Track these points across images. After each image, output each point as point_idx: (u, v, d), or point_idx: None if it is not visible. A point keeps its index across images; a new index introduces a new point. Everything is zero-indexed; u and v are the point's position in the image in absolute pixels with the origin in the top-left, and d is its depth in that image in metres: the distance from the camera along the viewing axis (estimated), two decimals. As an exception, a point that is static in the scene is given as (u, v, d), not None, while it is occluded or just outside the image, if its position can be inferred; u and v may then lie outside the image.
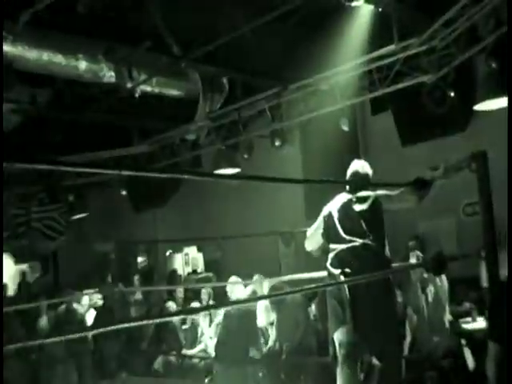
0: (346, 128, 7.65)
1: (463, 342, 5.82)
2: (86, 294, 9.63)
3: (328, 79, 7.40)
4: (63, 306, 9.03)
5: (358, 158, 9.23)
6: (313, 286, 3.93)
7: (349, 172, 4.38)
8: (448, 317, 6.04)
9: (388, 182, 4.95)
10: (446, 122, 8.21)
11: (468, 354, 5.66)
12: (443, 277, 5.96)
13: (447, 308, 6.06)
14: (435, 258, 3.48)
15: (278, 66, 7.67)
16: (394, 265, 5.50)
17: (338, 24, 6.84)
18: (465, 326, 6.16)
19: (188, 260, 13.82)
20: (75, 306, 9.09)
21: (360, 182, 4.24)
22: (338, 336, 3.87)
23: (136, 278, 10.76)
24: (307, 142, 10.09)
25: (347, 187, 4.23)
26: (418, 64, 6.84)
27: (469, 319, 6.28)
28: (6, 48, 5.97)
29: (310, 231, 4.32)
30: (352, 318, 3.80)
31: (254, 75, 7.80)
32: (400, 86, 7.08)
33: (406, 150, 8.74)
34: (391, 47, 6.64)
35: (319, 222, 4.22)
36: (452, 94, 7.18)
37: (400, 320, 6.26)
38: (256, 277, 7.45)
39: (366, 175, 4.32)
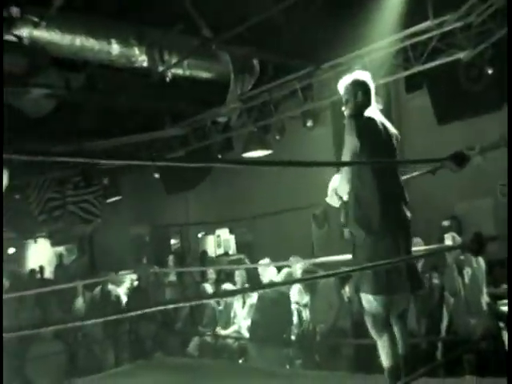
0: (380, 106, 7.51)
1: (501, 324, 5.74)
2: (121, 276, 9.80)
3: (361, 57, 7.29)
4: (98, 288, 9.21)
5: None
6: (347, 269, 3.87)
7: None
8: (486, 299, 5.94)
9: (424, 159, 4.86)
10: (482, 99, 8.02)
11: (506, 336, 5.58)
12: (480, 258, 5.86)
13: (484, 290, 5.95)
14: (474, 239, 3.41)
15: (309, 45, 7.56)
16: (431, 246, 5.47)
17: (371, 1, 6.71)
18: (503, 307, 6.07)
19: (220, 242, 13.90)
20: (110, 287, 9.26)
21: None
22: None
23: (170, 258, 10.86)
24: (339, 122, 9.97)
25: None
26: (453, 40, 6.69)
27: (506, 301, 6.19)
28: (40, 33, 6.02)
29: None
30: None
31: (286, 56, 7.72)
32: (435, 63, 6.94)
33: (442, 128, 8.58)
34: (426, 23, 6.51)
35: None
36: (489, 72, 7.00)
37: (437, 302, 6.22)
38: (292, 258, 7.46)
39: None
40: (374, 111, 3.98)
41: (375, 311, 3.66)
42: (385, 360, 3.67)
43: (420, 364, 4.16)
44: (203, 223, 12.52)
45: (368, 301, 3.67)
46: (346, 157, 3.73)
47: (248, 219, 10.74)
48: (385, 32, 6.96)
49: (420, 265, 7.06)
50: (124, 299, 9.23)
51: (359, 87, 3.96)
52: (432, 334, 6.14)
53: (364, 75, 4.04)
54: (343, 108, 4.02)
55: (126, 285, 9.95)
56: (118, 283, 9.55)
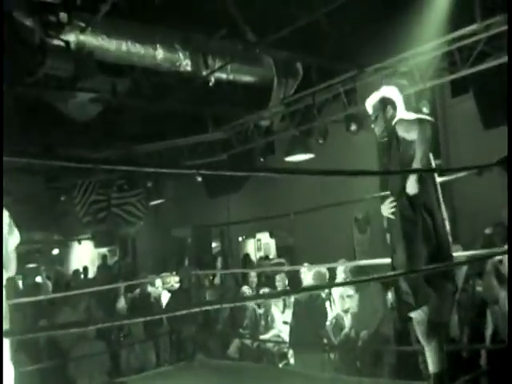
0: (426, 110, 7.43)
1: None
2: (163, 277, 9.90)
3: (407, 61, 7.21)
4: (138, 290, 9.34)
5: (437, 141, 9.06)
6: (391, 273, 3.84)
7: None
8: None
9: (471, 165, 4.78)
10: (530, 103, 7.83)
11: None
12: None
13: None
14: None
15: (353, 48, 7.51)
16: (475, 252, 5.35)
17: (416, 4, 6.63)
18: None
19: (260, 246, 13.91)
20: (150, 289, 9.37)
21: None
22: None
23: (219, 260, 10.94)
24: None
25: None
26: (501, 43, 6.54)
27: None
28: (87, 38, 6.14)
29: None
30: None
31: (329, 59, 7.68)
32: (482, 66, 6.81)
33: (488, 132, 8.41)
34: (473, 27, 6.39)
35: None
36: (538, 75, 6.82)
37: (480, 310, 6.09)
38: (341, 261, 7.44)
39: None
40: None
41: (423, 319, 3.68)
42: (432, 366, 3.70)
43: (463, 372, 4.13)
44: (241, 222, 12.51)
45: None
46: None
47: (287, 215, 10.63)
48: (430, 35, 6.86)
49: (463, 272, 6.95)
50: (165, 301, 9.32)
51: (388, 103, 4.07)
52: (475, 342, 6.02)
53: (391, 91, 4.16)
54: (372, 125, 4.13)
55: (167, 286, 10.06)
56: (156, 285, 9.65)
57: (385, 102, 4.08)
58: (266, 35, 6.85)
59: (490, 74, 7.26)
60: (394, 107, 4.07)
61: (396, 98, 4.12)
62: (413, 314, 3.75)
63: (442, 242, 3.75)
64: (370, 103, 4.15)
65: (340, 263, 7.36)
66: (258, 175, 11.21)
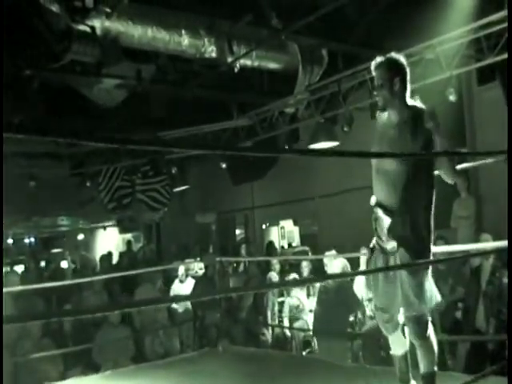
0: (452, 98, 7.31)
1: None
2: (187, 264, 9.95)
3: (433, 48, 7.09)
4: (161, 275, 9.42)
5: (463, 130, 8.92)
6: (417, 261, 3.77)
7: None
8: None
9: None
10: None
11: None
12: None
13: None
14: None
15: (379, 35, 7.42)
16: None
17: (444, -10, 6.52)
18: None
19: (284, 233, 13.91)
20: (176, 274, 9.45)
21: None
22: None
23: (243, 247, 10.96)
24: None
25: None
26: (530, 30, 6.39)
27: None
28: (112, 24, 6.14)
29: None
30: None
31: (355, 45, 7.59)
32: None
33: (516, 121, 8.26)
34: (501, 13, 6.25)
35: None
36: None
37: (507, 301, 6.01)
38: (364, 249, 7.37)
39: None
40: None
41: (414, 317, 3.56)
42: (422, 367, 3.54)
43: (488, 362, 4.06)
44: (266, 206, 12.52)
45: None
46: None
47: (311, 199, 10.58)
48: (458, 22, 6.74)
49: (490, 263, 6.87)
50: (187, 287, 9.35)
51: (396, 71, 3.50)
52: (501, 333, 5.95)
53: (400, 58, 3.57)
54: (375, 93, 3.67)
55: (191, 273, 10.11)
56: (179, 272, 9.70)
57: (392, 70, 3.50)
58: (291, 21, 6.79)
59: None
60: (404, 79, 3.52)
61: (406, 69, 3.54)
62: (404, 313, 3.59)
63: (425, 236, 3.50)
64: (376, 67, 3.54)
65: (363, 252, 7.30)
66: (283, 161, 11.18)
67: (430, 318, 3.57)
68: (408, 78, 3.55)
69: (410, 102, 3.56)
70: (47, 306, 8.45)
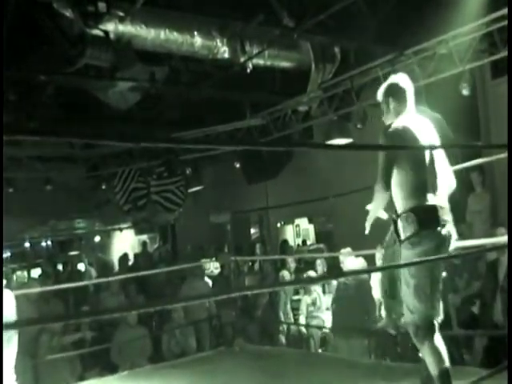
0: (466, 93, 7.28)
1: None
2: (202, 264, 9.99)
3: (446, 43, 7.07)
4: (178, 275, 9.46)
5: (478, 124, 8.88)
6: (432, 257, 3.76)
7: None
8: None
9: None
10: None
11: None
12: None
13: None
14: None
15: (391, 31, 7.40)
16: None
17: (456, -16, 6.49)
18: None
19: (299, 231, 13.90)
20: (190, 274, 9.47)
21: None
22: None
23: (257, 246, 10.98)
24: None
25: None
26: (544, 24, 6.35)
27: None
28: (125, 28, 6.19)
29: None
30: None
31: (367, 42, 7.59)
32: (525, 47, 6.62)
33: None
34: (514, 6, 6.22)
35: None
36: None
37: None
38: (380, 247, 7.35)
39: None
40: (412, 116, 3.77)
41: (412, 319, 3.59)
42: (431, 368, 3.49)
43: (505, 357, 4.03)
44: (281, 206, 12.50)
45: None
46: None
47: (326, 199, 10.54)
48: (470, 16, 6.71)
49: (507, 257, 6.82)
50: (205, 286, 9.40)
51: (391, 93, 3.79)
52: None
53: (399, 78, 3.84)
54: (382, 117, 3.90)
55: (207, 273, 10.15)
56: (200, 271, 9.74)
57: (388, 93, 3.80)
58: (303, 20, 6.80)
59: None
60: (399, 98, 3.77)
61: (402, 88, 3.79)
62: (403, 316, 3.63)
63: None
64: (379, 92, 3.87)
65: (378, 250, 7.28)
66: (296, 159, 11.17)
67: (436, 323, 3.56)
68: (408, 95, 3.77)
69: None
70: (66, 308, 8.53)
